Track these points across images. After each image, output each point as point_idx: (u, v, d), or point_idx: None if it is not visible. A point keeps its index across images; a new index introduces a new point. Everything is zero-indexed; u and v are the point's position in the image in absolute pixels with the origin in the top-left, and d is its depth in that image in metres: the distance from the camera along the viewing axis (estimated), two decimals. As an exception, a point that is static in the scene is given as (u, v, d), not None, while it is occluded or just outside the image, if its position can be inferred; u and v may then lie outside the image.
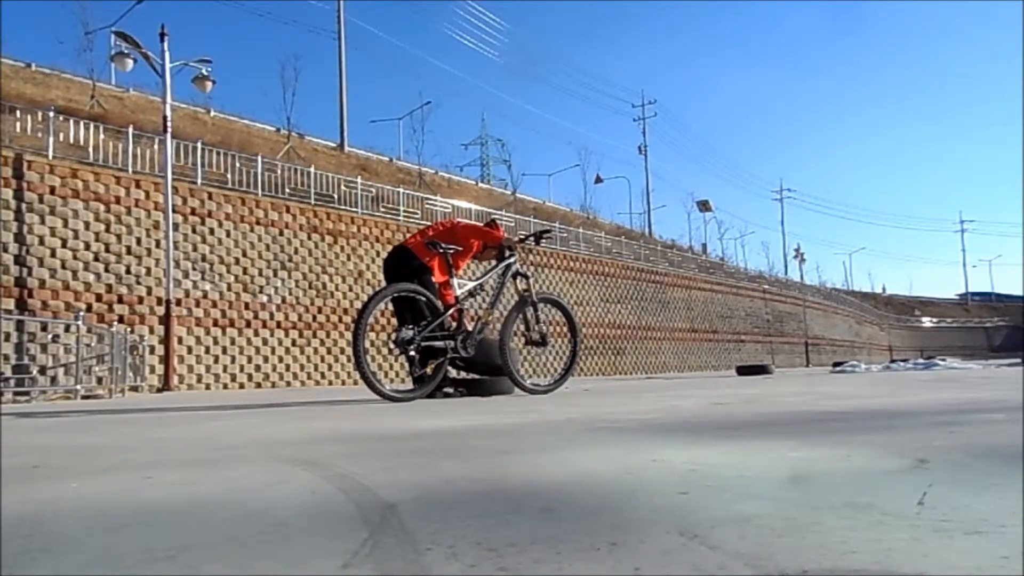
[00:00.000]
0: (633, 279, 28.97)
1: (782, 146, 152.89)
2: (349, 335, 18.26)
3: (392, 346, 4.92)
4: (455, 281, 5.17)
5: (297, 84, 27.28)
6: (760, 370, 13.16)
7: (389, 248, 19.15)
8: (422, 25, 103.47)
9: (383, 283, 5.44)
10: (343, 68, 28.64)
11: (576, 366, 5.71)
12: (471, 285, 5.31)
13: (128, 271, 14.26)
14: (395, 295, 4.99)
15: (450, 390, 5.26)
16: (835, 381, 6.95)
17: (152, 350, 13.92)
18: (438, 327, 4.95)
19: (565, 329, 5.82)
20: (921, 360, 14.33)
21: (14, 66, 20.34)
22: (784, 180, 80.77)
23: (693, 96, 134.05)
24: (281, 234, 17.15)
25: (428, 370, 4.94)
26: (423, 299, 4.97)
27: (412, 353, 4.83)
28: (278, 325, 16.61)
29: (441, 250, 5.16)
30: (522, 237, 5.72)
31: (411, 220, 20.66)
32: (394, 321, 5.36)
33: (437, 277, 5.27)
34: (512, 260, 5.44)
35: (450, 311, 5.08)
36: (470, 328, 5.17)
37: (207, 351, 15.21)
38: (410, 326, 4.89)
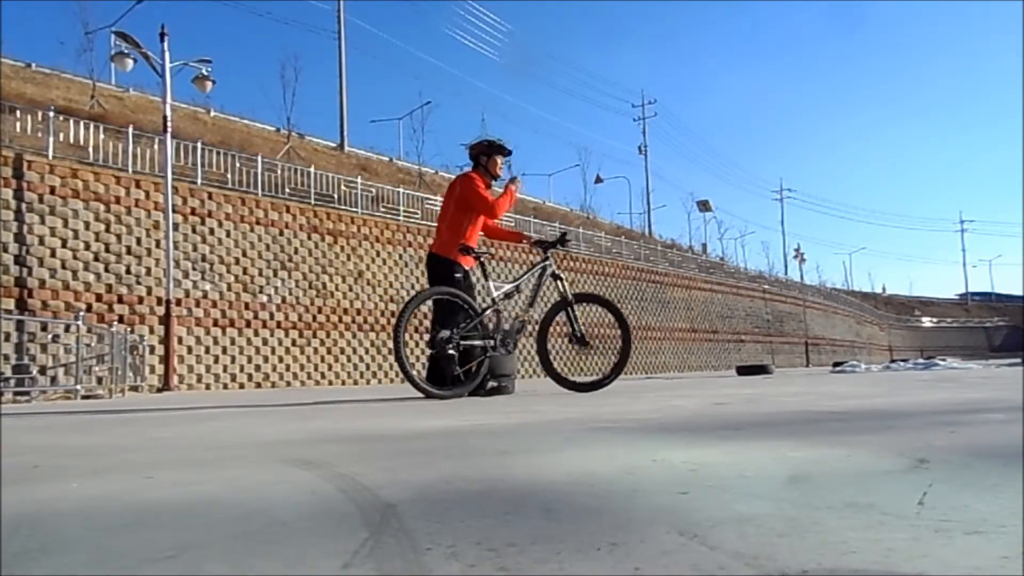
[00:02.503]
0: (633, 279, 28.97)
1: (782, 146, 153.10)
2: (349, 335, 18.41)
3: (430, 346, 5.09)
4: (491, 284, 5.37)
5: (297, 84, 27.31)
6: (760, 370, 13.14)
7: (389, 248, 19.37)
8: (422, 25, 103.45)
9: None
10: (343, 68, 28.64)
11: (626, 364, 5.68)
12: (508, 287, 5.50)
13: (128, 271, 14.26)
14: (433, 297, 5.20)
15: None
16: (835, 381, 6.95)
17: (152, 350, 13.92)
18: (477, 327, 5.11)
19: (616, 331, 5.77)
20: (921, 360, 14.32)
21: (14, 66, 20.34)
22: (784, 180, 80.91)
23: (693, 96, 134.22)
24: (281, 234, 17.16)
25: (471, 368, 5.14)
26: (460, 301, 5.16)
27: (451, 352, 4.97)
28: (278, 325, 16.61)
29: (474, 254, 5.42)
30: (551, 242, 5.79)
31: (411, 220, 20.67)
32: (426, 324, 5.47)
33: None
34: (548, 262, 5.60)
35: (487, 312, 5.27)
36: (507, 328, 5.36)
37: (207, 351, 15.21)
38: (448, 327, 5.06)
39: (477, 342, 5.13)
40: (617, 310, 5.87)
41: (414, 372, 4.86)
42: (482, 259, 5.47)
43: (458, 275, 5.43)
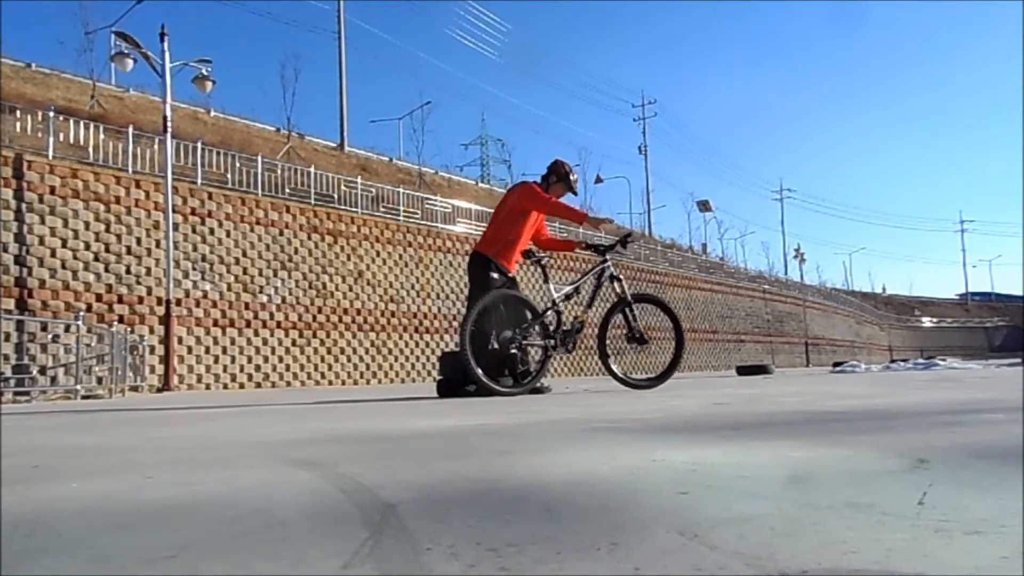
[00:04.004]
0: (633, 279, 28.97)
1: (782, 146, 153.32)
2: (349, 335, 18.42)
3: (495, 345, 5.24)
4: (551, 286, 5.50)
5: (297, 84, 27.43)
6: (760, 370, 13.13)
7: (389, 248, 19.38)
8: (422, 25, 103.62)
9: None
10: (343, 68, 28.67)
11: (680, 361, 5.83)
12: (567, 289, 5.65)
13: (128, 271, 14.27)
14: (495, 300, 5.30)
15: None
16: (835, 381, 6.95)
17: (152, 350, 13.92)
18: (539, 327, 5.34)
19: (670, 332, 5.95)
20: (921, 360, 14.32)
21: (14, 66, 20.34)
22: (784, 180, 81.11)
23: (693, 96, 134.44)
24: (281, 234, 17.16)
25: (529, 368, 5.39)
26: (523, 303, 5.36)
27: (513, 351, 5.16)
28: (278, 325, 16.61)
29: (535, 257, 5.59)
30: (609, 245, 5.90)
31: (411, 220, 20.67)
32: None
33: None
34: (607, 264, 5.72)
35: (548, 312, 5.43)
36: (567, 328, 5.52)
37: (207, 351, 15.22)
38: (510, 328, 5.21)
39: (539, 341, 5.36)
40: (670, 310, 6.03)
41: (480, 371, 4.97)
42: (543, 262, 5.59)
43: (495, 275, 5.48)
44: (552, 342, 5.38)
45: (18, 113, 14.11)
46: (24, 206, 13.03)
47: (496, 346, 5.15)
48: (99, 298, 13.75)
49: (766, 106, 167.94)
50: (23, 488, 1.40)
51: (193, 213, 15.57)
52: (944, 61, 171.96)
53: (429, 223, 21.18)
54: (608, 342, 5.70)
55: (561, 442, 2.02)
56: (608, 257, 5.74)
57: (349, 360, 18.01)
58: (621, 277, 5.78)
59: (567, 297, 5.61)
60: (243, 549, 0.87)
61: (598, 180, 40.95)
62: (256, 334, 16.16)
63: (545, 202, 5.60)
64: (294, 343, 16.89)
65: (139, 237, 14.55)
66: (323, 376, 17.36)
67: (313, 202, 18.26)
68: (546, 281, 5.53)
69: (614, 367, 5.60)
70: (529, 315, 5.35)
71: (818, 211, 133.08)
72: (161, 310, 14.08)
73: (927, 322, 69.42)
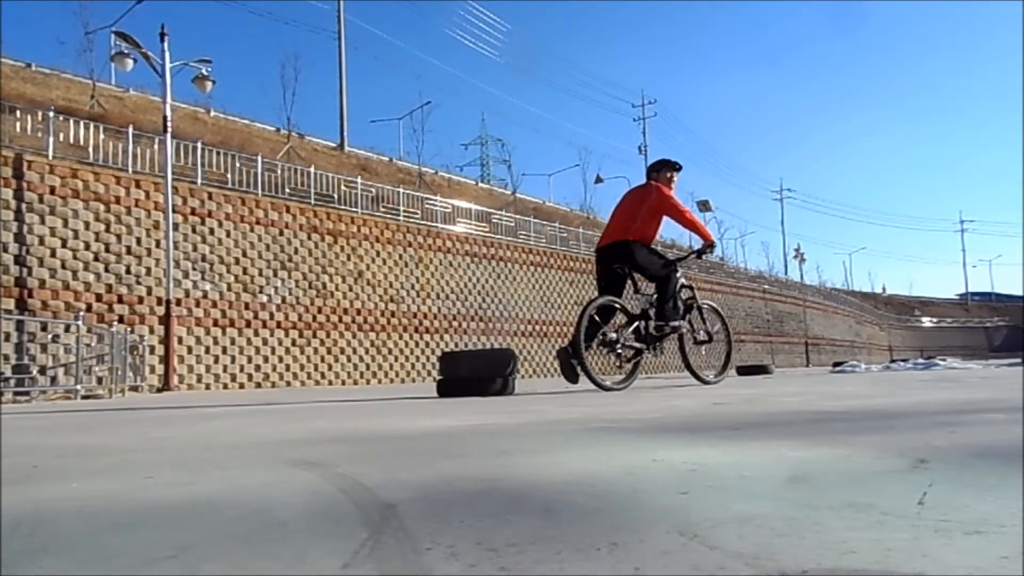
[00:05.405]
0: (633, 279, 28.94)
1: (782, 146, 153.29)
2: (349, 335, 18.43)
3: (599, 345, 5.75)
4: (641, 295, 6.07)
5: (297, 84, 27.46)
6: (760, 370, 13.13)
7: (389, 248, 19.40)
8: (422, 25, 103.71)
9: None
10: (343, 68, 28.70)
11: (730, 360, 6.87)
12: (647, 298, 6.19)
13: (128, 271, 14.27)
14: (602, 305, 5.85)
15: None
16: (835, 381, 6.95)
17: (152, 350, 13.92)
18: (635, 330, 5.88)
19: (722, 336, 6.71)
20: (921, 360, 14.31)
21: (14, 66, 20.36)
22: (784, 180, 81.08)
23: (693, 96, 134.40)
24: (281, 234, 17.16)
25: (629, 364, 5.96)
26: (619, 307, 5.87)
27: (619, 350, 5.73)
28: (278, 325, 16.61)
29: (624, 271, 6.01)
30: (681, 256, 6.61)
31: (411, 220, 20.67)
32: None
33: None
34: (679, 274, 6.21)
35: (641, 319, 5.94)
36: (654, 332, 5.99)
37: (207, 351, 15.21)
38: (613, 330, 5.78)
39: (635, 344, 5.89)
40: (721, 314, 6.76)
41: (590, 367, 5.40)
42: (633, 275, 5.97)
43: (654, 256, 6.00)
44: (645, 345, 5.91)
45: (18, 113, 14.12)
46: (24, 206, 13.03)
47: (602, 344, 5.67)
48: (99, 298, 13.75)
49: (766, 106, 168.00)
50: (23, 488, 1.40)
51: (193, 213, 15.57)
52: (944, 61, 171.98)
53: (429, 223, 21.18)
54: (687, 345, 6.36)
55: (561, 442, 2.02)
56: (678, 267, 6.21)
57: (349, 360, 18.01)
58: (692, 285, 6.43)
59: (651, 305, 6.07)
60: (243, 549, 0.87)
61: (598, 180, 40.86)
62: (256, 334, 16.16)
63: (681, 214, 6.09)
64: (294, 343, 16.89)
65: (139, 237, 14.55)
66: (323, 376, 17.36)
67: (313, 202, 18.25)
68: (636, 291, 6.02)
69: (692, 364, 6.29)
70: (626, 319, 5.88)
71: (818, 211, 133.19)
72: (161, 310, 14.08)
73: (927, 322, 69.39)
